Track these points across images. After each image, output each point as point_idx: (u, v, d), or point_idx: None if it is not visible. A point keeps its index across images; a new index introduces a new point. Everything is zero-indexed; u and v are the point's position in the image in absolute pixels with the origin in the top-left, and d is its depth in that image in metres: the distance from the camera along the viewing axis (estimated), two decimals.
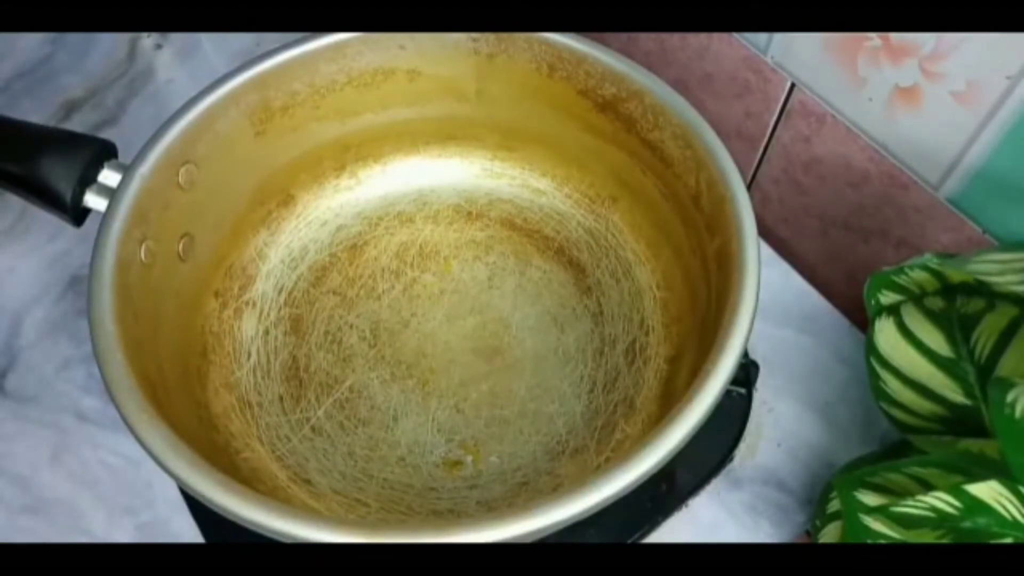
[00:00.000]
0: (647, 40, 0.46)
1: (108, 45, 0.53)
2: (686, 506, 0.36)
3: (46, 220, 0.38)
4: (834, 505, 0.32)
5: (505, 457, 0.35)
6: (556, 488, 0.33)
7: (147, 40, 0.54)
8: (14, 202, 0.45)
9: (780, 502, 0.36)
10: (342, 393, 0.37)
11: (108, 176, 0.33)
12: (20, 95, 0.51)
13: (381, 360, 0.38)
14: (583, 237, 0.41)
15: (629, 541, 0.35)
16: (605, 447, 0.34)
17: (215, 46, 0.53)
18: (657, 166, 0.36)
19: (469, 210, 0.42)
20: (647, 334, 0.37)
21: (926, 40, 0.31)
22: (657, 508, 0.35)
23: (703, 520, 0.36)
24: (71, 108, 0.50)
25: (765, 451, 0.37)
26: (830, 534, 0.31)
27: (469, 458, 0.35)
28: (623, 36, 0.47)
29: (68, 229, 0.34)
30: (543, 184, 0.42)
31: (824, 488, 0.33)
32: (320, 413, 0.36)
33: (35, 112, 0.50)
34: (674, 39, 0.44)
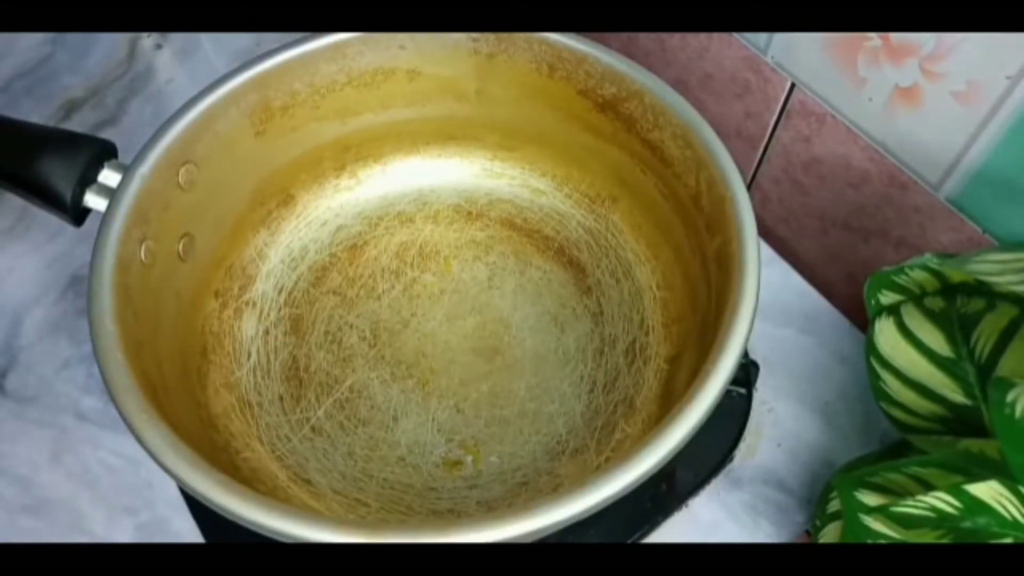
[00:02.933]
0: (647, 40, 0.46)
1: (108, 45, 0.53)
2: (686, 506, 0.36)
3: (46, 220, 0.38)
4: (834, 505, 0.32)
5: (505, 457, 0.35)
6: (556, 488, 0.33)
7: (147, 40, 0.54)
8: (14, 202, 0.45)
9: (780, 502, 0.36)
10: (342, 393, 0.37)
11: (108, 176, 0.33)
12: (20, 95, 0.51)
13: (381, 360, 0.38)
14: (583, 237, 0.41)
15: (629, 541, 0.35)
16: (605, 447, 0.34)
17: (215, 46, 0.53)
18: (657, 166, 0.36)
19: (469, 210, 0.42)
20: (647, 334, 0.37)
21: (926, 40, 0.31)
22: (657, 508, 0.35)
23: (703, 520, 0.36)
24: (71, 108, 0.50)
25: (765, 451, 0.37)
26: (830, 534, 0.31)
27: (469, 458, 0.35)
28: (623, 36, 0.47)
29: (68, 229, 0.34)
30: (543, 184, 0.42)
31: (824, 488, 0.33)
32: (320, 413, 0.36)
33: (35, 112, 0.50)
34: (674, 39, 0.44)
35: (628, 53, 0.37)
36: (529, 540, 0.25)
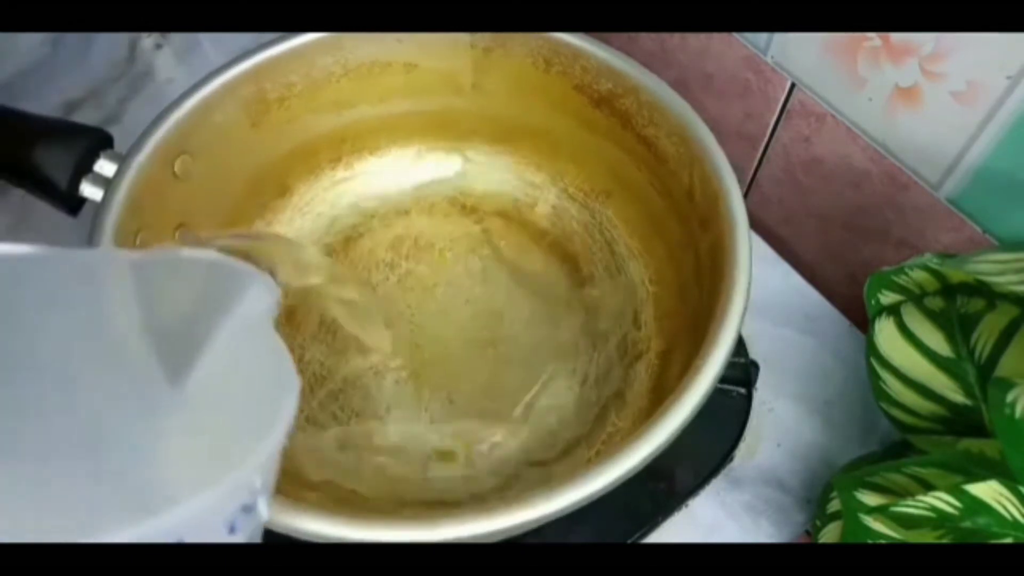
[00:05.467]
0: (648, 40, 0.46)
1: (108, 45, 0.53)
2: (686, 506, 0.35)
3: (47, 220, 0.38)
4: (834, 505, 0.31)
5: (497, 449, 0.35)
6: (548, 481, 0.33)
7: (147, 40, 0.54)
8: (15, 201, 0.45)
9: (780, 502, 0.36)
10: (336, 384, 0.36)
11: (104, 166, 0.33)
12: (20, 95, 0.51)
13: (375, 352, 0.37)
14: (577, 231, 0.40)
15: (629, 541, 0.34)
16: (596, 440, 0.34)
17: (215, 46, 0.54)
18: (651, 162, 0.36)
19: (464, 203, 0.42)
20: (639, 328, 0.37)
21: (926, 40, 0.31)
22: (657, 508, 0.35)
23: (703, 520, 0.35)
24: (71, 108, 0.50)
25: (765, 451, 0.37)
26: (830, 534, 0.31)
27: (462, 450, 0.35)
28: (624, 36, 0.47)
29: (69, 229, 0.34)
30: (538, 178, 0.42)
31: (824, 488, 0.33)
32: (314, 404, 0.36)
33: (35, 112, 0.50)
34: (674, 39, 0.44)
35: (629, 53, 0.37)
36: (521, 532, 0.24)
